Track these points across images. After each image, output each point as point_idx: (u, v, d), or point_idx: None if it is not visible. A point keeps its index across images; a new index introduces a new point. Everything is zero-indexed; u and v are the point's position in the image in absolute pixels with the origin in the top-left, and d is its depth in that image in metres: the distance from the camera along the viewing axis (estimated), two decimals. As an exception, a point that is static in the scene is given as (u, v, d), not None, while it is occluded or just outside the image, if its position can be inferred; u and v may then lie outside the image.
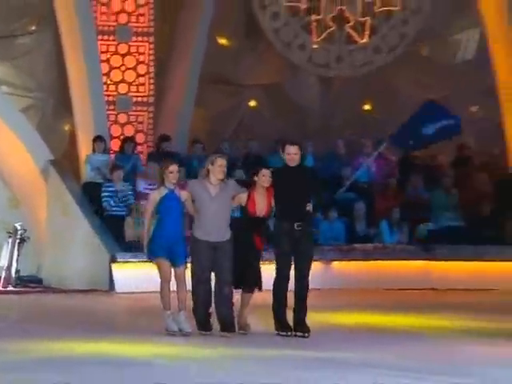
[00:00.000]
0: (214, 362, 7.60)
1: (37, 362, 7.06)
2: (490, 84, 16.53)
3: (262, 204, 8.52)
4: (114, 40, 14.49)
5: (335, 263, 14.24)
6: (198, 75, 14.87)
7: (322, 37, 15.59)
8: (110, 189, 13.29)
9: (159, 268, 8.45)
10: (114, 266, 12.56)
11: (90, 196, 13.49)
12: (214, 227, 8.34)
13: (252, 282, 8.63)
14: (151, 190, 13.53)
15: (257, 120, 16.23)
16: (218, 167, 8.24)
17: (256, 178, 8.49)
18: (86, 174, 13.80)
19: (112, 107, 14.31)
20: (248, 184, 8.82)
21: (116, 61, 14.35)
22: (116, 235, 12.83)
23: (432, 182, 14.95)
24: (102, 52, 14.26)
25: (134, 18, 14.77)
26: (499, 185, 15.86)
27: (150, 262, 8.58)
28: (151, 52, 14.63)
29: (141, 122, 14.87)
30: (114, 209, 13.28)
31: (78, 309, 11.75)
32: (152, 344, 8.47)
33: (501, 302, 13.11)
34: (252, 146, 14.64)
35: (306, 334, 8.46)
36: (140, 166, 13.98)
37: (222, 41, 15.88)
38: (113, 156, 14.16)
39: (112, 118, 14.48)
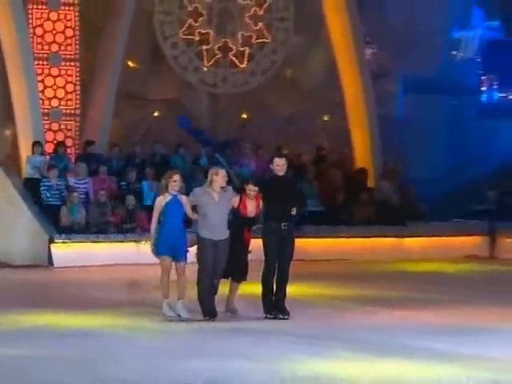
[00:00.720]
0: (160, 332, 8.49)
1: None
2: (339, 98, 18.12)
3: (251, 207, 8.90)
4: (47, 64, 15.97)
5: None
6: (114, 92, 16.24)
7: (211, 62, 17.11)
8: (47, 184, 14.53)
9: (161, 263, 8.90)
10: (52, 246, 13.99)
11: (31, 189, 14.76)
12: (217, 227, 8.78)
13: (240, 273, 9.02)
14: (81, 184, 15.00)
15: (161, 127, 17.47)
16: (221, 177, 8.78)
17: (246, 187, 9.00)
18: (27, 171, 14.96)
19: (46, 118, 15.75)
20: (240, 189, 9.38)
21: (49, 81, 15.94)
22: (53, 221, 14.16)
23: (298, 176, 16.14)
24: (38, 74, 15.73)
25: (63, 47, 16.22)
26: (348, 179, 17.55)
27: (156, 257, 8.91)
28: (77, 74, 16.19)
29: (69, 130, 16.26)
30: (51, 200, 14.54)
31: (23, 281, 12.99)
32: (95, 314, 9.46)
33: (357, 271, 15.24)
34: (157, 148, 15.96)
35: (286, 316, 8.96)
36: (70, 165, 15.27)
37: (133, 64, 17.09)
38: (48, 157, 15.19)
39: (47, 126, 15.79)
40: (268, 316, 8.90)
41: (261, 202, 8.91)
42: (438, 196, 18.66)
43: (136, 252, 14.52)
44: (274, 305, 8.99)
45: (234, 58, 17.71)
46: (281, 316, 8.94)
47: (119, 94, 16.61)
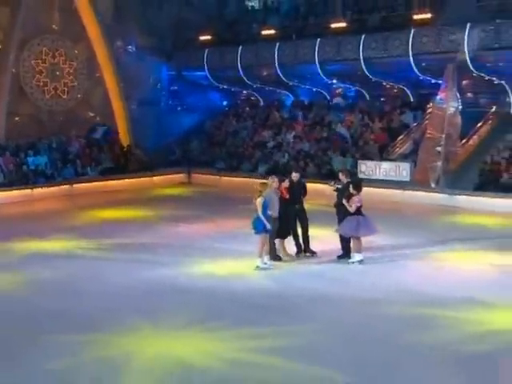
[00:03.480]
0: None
1: None
2: (112, 109, 26.90)
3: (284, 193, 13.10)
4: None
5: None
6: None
7: (49, 95, 25.84)
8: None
9: (262, 237, 12.51)
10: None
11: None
12: (276, 211, 12.65)
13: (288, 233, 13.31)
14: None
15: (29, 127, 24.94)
16: (275, 183, 12.94)
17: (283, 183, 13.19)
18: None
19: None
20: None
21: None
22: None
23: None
24: None
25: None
26: (123, 150, 26.27)
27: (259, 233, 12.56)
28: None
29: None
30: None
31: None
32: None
33: (138, 198, 23.31)
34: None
35: (315, 254, 13.47)
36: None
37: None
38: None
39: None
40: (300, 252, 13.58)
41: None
42: (158, 154, 27.14)
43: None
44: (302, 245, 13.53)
45: (60, 93, 26.61)
46: (309, 254, 13.58)
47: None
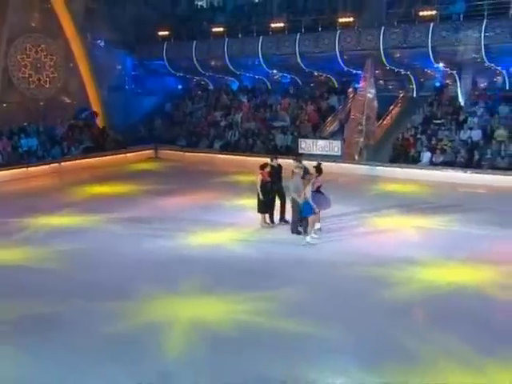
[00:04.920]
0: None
1: None
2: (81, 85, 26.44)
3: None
4: None
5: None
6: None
7: (34, 85, 25.30)
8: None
9: (311, 218, 12.57)
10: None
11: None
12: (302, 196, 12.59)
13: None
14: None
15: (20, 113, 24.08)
16: (301, 170, 12.86)
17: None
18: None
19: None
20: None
21: None
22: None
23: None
24: None
25: None
26: (101, 131, 25.96)
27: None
28: None
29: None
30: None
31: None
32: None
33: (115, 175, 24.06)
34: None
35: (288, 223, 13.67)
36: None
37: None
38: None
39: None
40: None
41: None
42: (127, 133, 26.85)
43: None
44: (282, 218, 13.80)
45: (43, 83, 26.00)
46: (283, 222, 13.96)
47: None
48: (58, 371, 7.60)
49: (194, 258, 12.20)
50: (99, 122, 26.86)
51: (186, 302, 9.76)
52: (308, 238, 12.23)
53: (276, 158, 14.87)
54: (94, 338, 8.57)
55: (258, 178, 13.58)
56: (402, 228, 14.05)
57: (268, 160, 14.60)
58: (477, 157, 20.52)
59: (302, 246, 12.64)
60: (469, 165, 20.36)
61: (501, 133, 20.99)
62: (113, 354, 8.11)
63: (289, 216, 14.05)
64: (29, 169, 22.12)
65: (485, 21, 21.19)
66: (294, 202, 12.77)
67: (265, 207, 13.58)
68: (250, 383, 7.24)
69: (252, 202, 14.93)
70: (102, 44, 28.55)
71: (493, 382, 7.07)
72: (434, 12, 22.81)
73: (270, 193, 13.62)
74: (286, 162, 14.88)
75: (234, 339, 8.44)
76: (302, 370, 7.49)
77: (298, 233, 12.90)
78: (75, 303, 9.83)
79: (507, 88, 23.05)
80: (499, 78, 23.87)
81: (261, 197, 13.47)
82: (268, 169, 13.63)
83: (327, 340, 8.30)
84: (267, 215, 14.16)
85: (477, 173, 19.68)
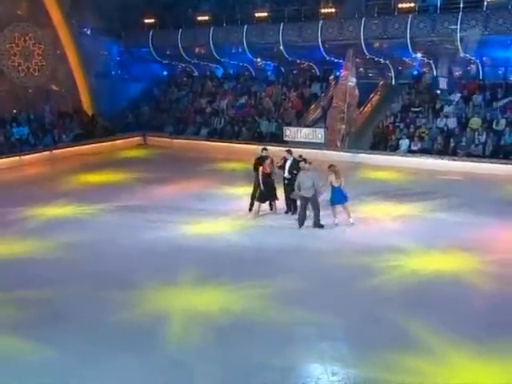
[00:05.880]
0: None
1: None
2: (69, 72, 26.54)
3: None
4: None
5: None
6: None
7: (23, 74, 24.94)
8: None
9: (343, 206, 13.25)
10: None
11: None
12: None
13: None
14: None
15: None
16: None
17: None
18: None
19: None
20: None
21: None
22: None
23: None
24: None
25: None
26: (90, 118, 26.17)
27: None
28: None
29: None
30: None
31: None
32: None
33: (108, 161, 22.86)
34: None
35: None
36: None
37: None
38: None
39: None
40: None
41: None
42: (114, 120, 27.06)
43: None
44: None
45: (32, 71, 26.04)
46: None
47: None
48: (70, 361, 7.71)
49: (192, 247, 12.41)
50: (87, 109, 26.80)
51: (186, 292, 10.05)
52: (351, 219, 12.91)
53: (266, 149, 15.18)
54: (103, 327, 8.76)
55: (260, 170, 13.82)
56: (385, 216, 14.38)
57: (258, 151, 14.81)
58: (452, 144, 21.06)
59: (299, 235, 12.87)
60: (445, 152, 20.83)
61: (475, 120, 21.50)
62: (123, 343, 8.30)
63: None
64: (22, 157, 22.12)
65: (460, 13, 21.41)
66: (313, 197, 12.86)
67: (265, 197, 13.86)
68: (255, 371, 7.55)
69: (244, 190, 14.98)
70: (89, 32, 28.43)
71: (466, 360, 7.54)
72: (412, 4, 23.07)
73: (270, 183, 13.94)
74: (272, 150, 15.37)
75: (236, 327, 8.71)
76: (300, 357, 7.80)
77: (321, 226, 13.02)
78: (83, 292, 10.10)
79: (480, 78, 23.38)
80: (473, 67, 24.29)
81: (262, 188, 13.66)
82: (269, 161, 13.84)
83: (322, 326, 8.67)
84: (263, 204, 14.43)
85: (453, 160, 20.20)
